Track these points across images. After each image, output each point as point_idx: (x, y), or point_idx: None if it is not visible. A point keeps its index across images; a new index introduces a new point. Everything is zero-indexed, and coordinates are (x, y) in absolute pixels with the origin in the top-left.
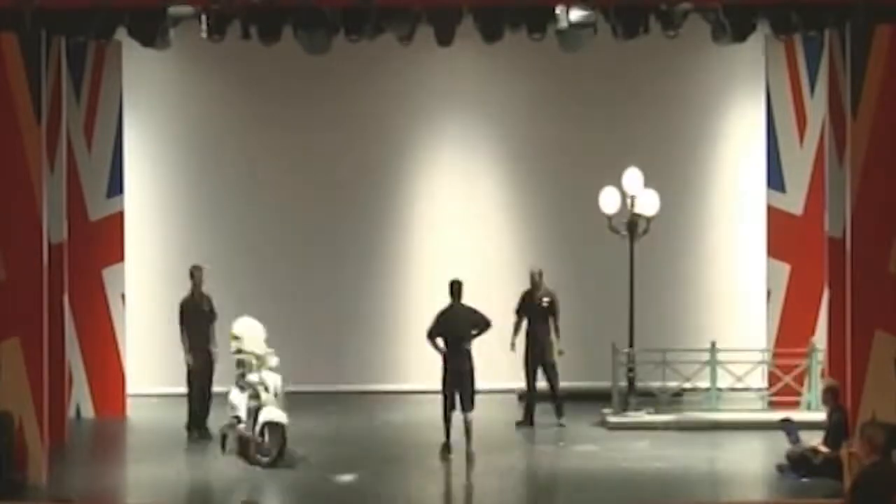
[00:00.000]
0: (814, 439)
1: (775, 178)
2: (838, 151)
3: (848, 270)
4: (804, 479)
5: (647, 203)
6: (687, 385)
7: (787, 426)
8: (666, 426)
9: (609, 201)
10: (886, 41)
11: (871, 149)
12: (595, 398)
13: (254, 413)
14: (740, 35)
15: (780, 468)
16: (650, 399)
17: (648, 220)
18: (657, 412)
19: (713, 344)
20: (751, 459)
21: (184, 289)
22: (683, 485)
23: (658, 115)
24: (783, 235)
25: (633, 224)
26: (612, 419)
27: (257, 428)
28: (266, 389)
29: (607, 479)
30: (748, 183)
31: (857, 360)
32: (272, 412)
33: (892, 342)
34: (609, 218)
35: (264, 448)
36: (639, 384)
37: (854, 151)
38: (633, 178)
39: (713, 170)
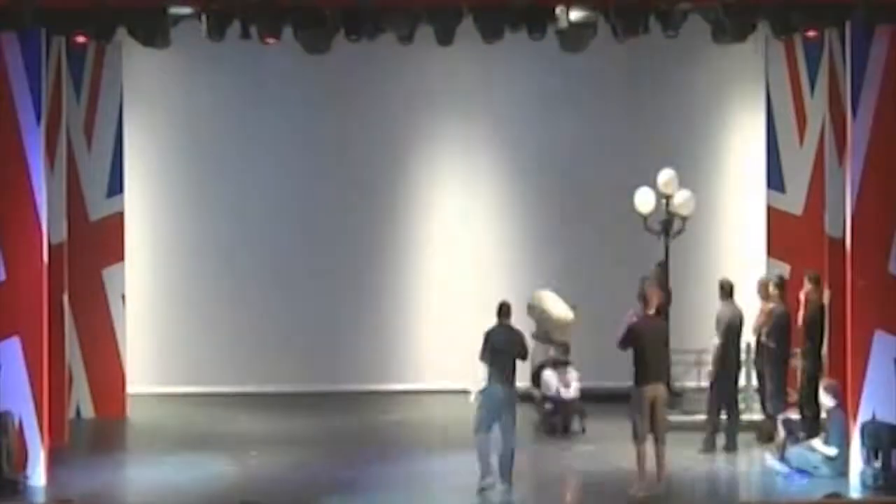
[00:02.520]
0: (814, 439)
1: (775, 179)
2: (838, 151)
3: (848, 270)
4: (804, 479)
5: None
6: None
7: (788, 425)
8: (702, 426)
9: (644, 200)
10: (886, 41)
11: (871, 149)
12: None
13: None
14: (740, 35)
15: (780, 468)
16: (680, 399)
17: (684, 219)
18: (692, 413)
19: (749, 345)
20: (751, 459)
21: (187, 289)
22: (683, 485)
23: (657, 115)
24: (783, 235)
25: (668, 223)
26: None
27: None
28: None
29: (607, 478)
30: (748, 183)
31: (857, 359)
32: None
33: (891, 342)
34: (644, 217)
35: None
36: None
37: (854, 151)
38: (667, 177)
39: (712, 169)
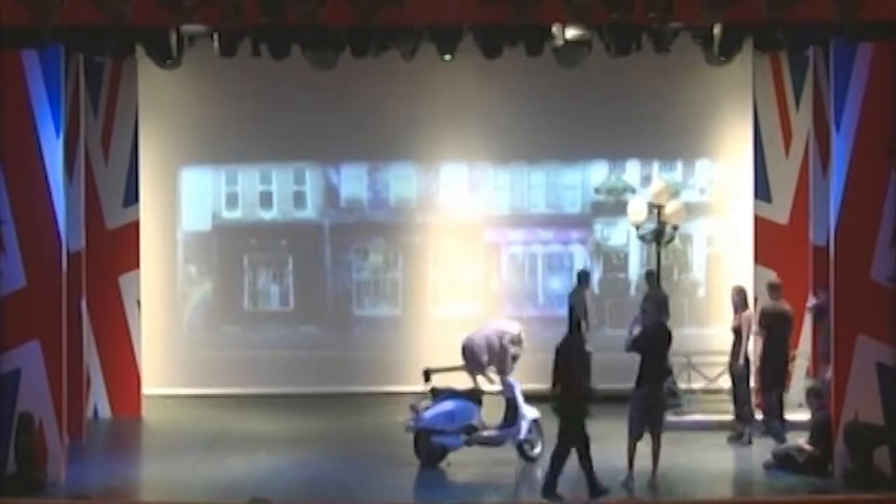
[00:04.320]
0: (799, 438)
1: (762, 189)
2: (822, 163)
3: (832, 277)
4: (789, 476)
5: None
6: (712, 386)
7: (773, 426)
8: (692, 426)
9: (636, 210)
10: (868, 58)
11: (853, 161)
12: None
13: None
14: (728, 52)
15: (766, 465)
16: (675, 399)
17: (675, 227)
18: (684, 413)
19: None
20: (739, 457)
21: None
22: (675, 483)
23: (650, 130)
24: (770, 244)
25: (659, 232)
26: None
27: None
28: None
29: (602, 478)
30: (736, 193)
31: (841, 362)
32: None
33: (873, 346)
34: (637, 226)
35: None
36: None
37: (837, 163)
38: (659, 188)
39: (703, 180)
